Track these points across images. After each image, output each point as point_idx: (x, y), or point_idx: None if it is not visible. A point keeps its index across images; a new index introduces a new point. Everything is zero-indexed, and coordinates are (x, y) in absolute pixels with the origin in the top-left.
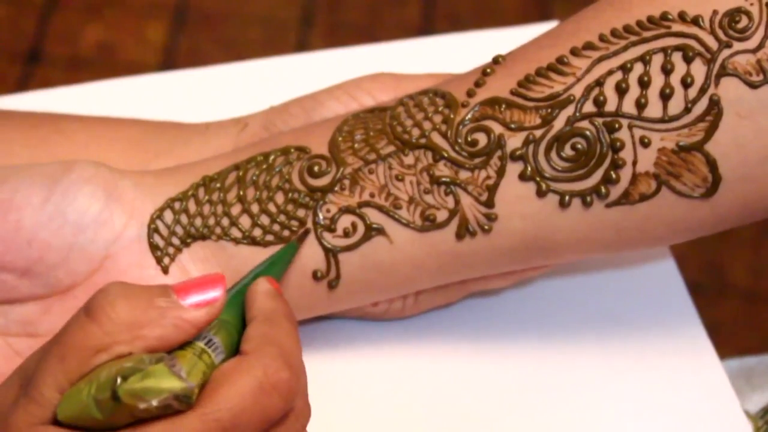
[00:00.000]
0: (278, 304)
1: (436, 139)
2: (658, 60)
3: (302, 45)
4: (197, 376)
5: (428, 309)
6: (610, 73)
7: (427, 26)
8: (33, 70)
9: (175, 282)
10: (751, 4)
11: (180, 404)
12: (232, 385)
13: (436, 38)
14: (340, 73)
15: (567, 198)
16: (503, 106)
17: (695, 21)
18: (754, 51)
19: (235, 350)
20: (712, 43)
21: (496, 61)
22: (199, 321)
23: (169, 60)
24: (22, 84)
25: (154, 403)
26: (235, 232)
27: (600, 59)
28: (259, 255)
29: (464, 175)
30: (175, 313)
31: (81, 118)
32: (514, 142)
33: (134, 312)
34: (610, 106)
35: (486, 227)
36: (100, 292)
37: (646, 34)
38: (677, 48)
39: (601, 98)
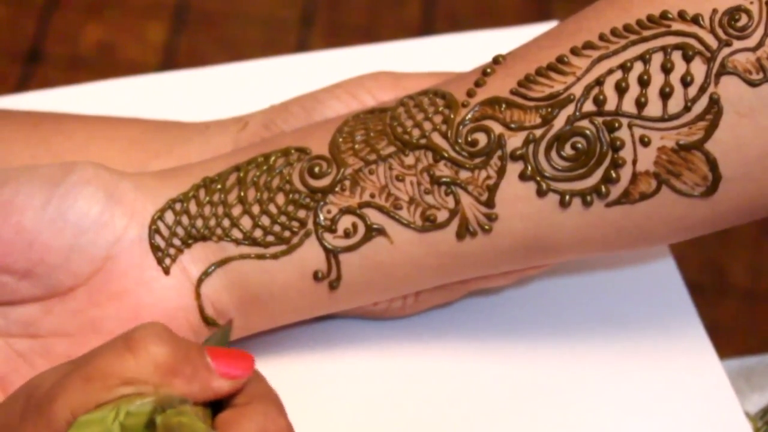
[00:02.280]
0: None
1: (437, 139)
2: (657, 59)
3: (302, 45)
4: (209, 423)
5: (428, 308)
6: (610, 72)
7: (427, 26)
8: (33, 69)
9: (177, 283)
10: (751, 3)
11: None
12: (239, 430)
13: (436, 38)
14: (340, 73)
15: (567, 197)
16: (503, 105)
17: (695, 20)
18: (753, 49)
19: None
20: (712, 42)
21: (497, 60)
22: (223, 391)
23: (169, 60)
24: (23, 84)
25: None
26: (236, 233)
27: (600, 58)
28: (259, 256)
29: (464, 175)
30: (207, 376)
31: (81, 118)
32: (514, 141)
33: (172, 359)
34: (610, 105)
35: (486, 227)
36: (144, 327)
37: (646, 33)
38: (677, 47)
39: (601, 97)
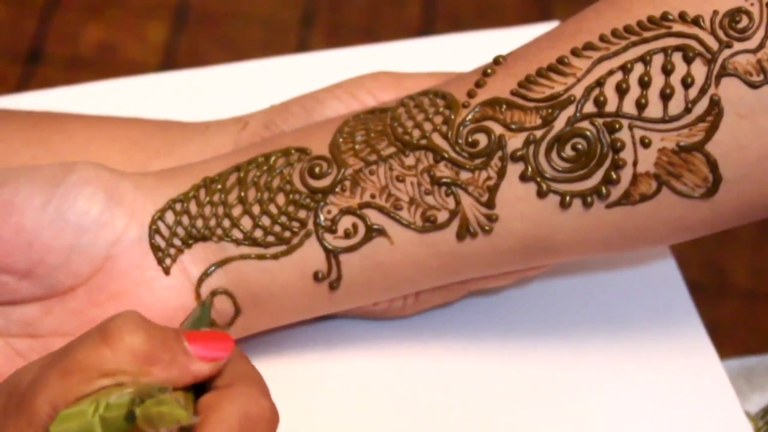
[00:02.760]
0: (234, 344)
1: (437, 140)
2: (658, 60)
3: (303, 45)
4: (191, 408)
5: (428, 308)
6: (610, 73)
7: (427, 26)
8: (33, 69)
9: (177, 283)
10: (752, 5)
11: None
12: (221, 414)
13: (437, 38)
14: (340, 74)
15: (567, 198)
16: (504, 106)
17: (696, 21)
18: (754, 51)
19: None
20: (713, 43)
21: (497, 61)
22: (202, 375)
23: (170, 60)
24: (23, 84)
25: (163, 430)
26: (237, 233)
27: (600, 59)
28: (259, 256)
29: (465, 175)
30: (185, 361)
31: (81, 118)
32: (514, 142)
33: (149, 348)
34: (611, 106)
35: (487, 228)
36: (119, 317)
37: (647, 34)
38: (678, 48)
39: (602, 98)
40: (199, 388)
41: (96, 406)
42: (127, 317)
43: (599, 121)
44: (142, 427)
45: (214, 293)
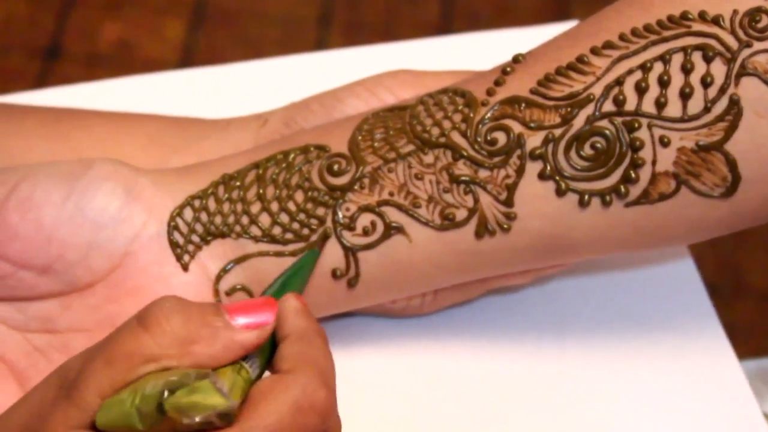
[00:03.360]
0: (310, 322)
1: (456, 138)
2: (678, 59)
3: (321, 43)
4: (237, 394)
5: (447, 306)
6: (630, 72)
7: (445, 25)
8: (52, 66)
9: (195, 280)
10: None
11: (221, 421)
12: (271, 403)
13: (454, 37)
14: (358, 72)
15: (586, 197)
16: (523, 105)
17: (716, 20)
18: None
19: (265, 365)
20: (732, 43)
21: (516, 59)
22: (250, 344)
23: (188, 57)
24: (41, 80)
25: (197, 419)
26: (255, 230)
27: (620, 58)
28: (277, 253)
29: (483, 174)
30: (227, 333)
31: (101, 114)
32: (533, 141)
33: (188, 327)
34: (630, 105)
35: (505, 226)
36: (156, 303)
37: (666, 33)
38: (697, 47)
39: (621, 97)
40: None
41: (134, 396)
42: (164, 302)
43: (618, 119)
44: (174, 418)
45: (323, 240)
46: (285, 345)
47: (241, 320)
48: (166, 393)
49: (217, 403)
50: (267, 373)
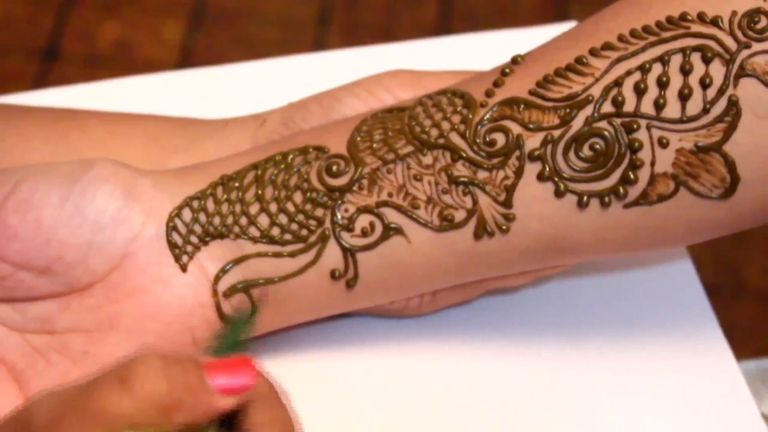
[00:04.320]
0: (272, 384)
1: (455, 139)
2: (676, 60)
3: (319, 44)
4: None
5: (445, 307)
6: (628, 73)
7: (443, 26)
8: (50, 67)
9: (194, 280)
10: None
11: None
12: None
13: (453, 38)
14: (356, 73)
15: (585, 198)
16: (522, 106)
17: (714, 21)
18: None
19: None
20: (731, 44)
21: (515, 61)
22: (228, 408)
23: (186, 58)
24: (40, 81)
25: None
26: (254, 231)
27: (619, 59)
28: (276, 254)
29: (482, 175)
30: (207, 399)
31: (100, 114)
32: (532, 142)
33: (171, 394)
34: (629, 106)
35: (504, 227)
36: (138, 362)
37: (665, 34)
38: (696, 48)
39: (620, 98)
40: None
41: None
42: (147, 363)
43: (617, 121)
44: None
45: (257, 304)
46: (257, 411)
47: (220, 381)
48: None
49: None
50: None
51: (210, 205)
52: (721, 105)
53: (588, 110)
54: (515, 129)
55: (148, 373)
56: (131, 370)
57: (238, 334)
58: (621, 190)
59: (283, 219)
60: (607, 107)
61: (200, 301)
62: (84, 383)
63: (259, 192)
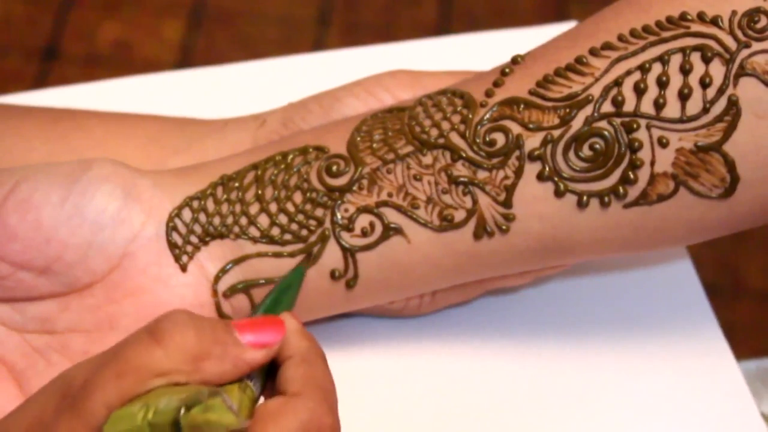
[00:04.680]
0: (311, 343)
1: (455, 139)
2: (676, 60)
3: (319, 44)
4: (245, 413)
5: (445, 306)
6: (628, 73)
7: (443, 26)
8: (50, 67)
9: (194, 280)
10: None
11: None
12: (280, 424)
13: (453, 38)
14: (356, 73)
15: (585, 198)
16: (522, 106)
17: (714, 21)
18: None
19: (265, 384)
20: (731, 44)
21: (515, 60)
22: (257, 363)
23: (186, 58)
24: (40, 81)
25: None
26: (254, 231)
27: (618, 59)
28: (276, 254)
29: (482, 175)
30: (236, 351)
31: (100, 114)
32: (532, 142)
33: (200, 344)
34: (629, 106)
35: (504, 227)
36: (167, 316)
37: (665, 34)
38: (696, 48)
39: (620, 98)
40: (270, 373)
41: (146, 411)
42: (177, 316)
43: (617, 120)
44: None
45: (307, 260)
46: (289, 367)
47: (249, 338)
48: (182, 409)
49: (229, 421)
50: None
51: (210, 205)
52: (721, 104)
53: (588, 110)
54: (515, 129)
55: (177, 326)
56: (160, 323)
57: (279, 296)
58: (621, 189)
59: (283, 219)
60: (607, 107)
61: (200, 301)
62: (117, 345)
63: (259, 192)
